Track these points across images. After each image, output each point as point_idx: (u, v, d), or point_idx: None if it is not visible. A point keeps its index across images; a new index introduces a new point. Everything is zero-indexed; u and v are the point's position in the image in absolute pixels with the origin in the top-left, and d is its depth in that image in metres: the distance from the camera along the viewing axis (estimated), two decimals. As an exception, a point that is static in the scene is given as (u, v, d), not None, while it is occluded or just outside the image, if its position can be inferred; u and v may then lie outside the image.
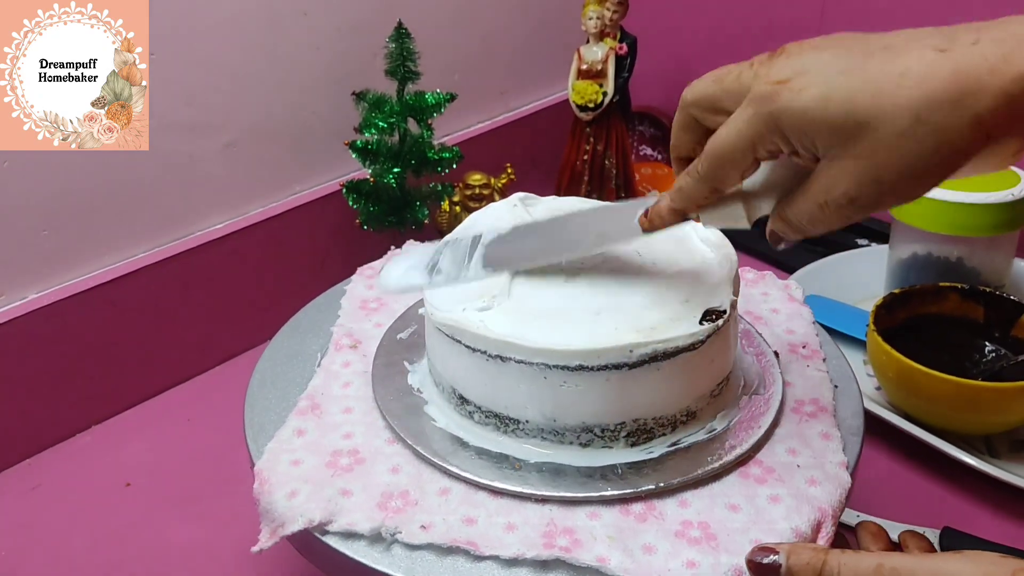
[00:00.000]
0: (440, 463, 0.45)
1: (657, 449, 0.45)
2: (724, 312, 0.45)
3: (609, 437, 0.45)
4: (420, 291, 0.49)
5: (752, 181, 0.42)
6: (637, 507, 0.43)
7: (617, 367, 0.43)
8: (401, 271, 0.51)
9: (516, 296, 0.46)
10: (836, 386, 0.51)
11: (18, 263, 0.67)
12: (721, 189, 0.41)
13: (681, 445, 0.46)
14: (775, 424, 0.48)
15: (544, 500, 0.43)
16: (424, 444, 0.46)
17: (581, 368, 0.43)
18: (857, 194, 0.36)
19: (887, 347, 0.62)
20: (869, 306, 0.67)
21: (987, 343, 0.68)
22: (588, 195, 0.87)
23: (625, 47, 0.84)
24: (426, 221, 0.80)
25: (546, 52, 0.99)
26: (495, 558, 0.40)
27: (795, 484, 0.44)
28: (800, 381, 0.51)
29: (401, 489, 0.44)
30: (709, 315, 0.45)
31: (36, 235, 0.67)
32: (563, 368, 0.43)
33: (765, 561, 0.38)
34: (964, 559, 0.32)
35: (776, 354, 0.53)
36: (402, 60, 0.75)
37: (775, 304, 0.59)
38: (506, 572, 0.40)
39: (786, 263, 0.85)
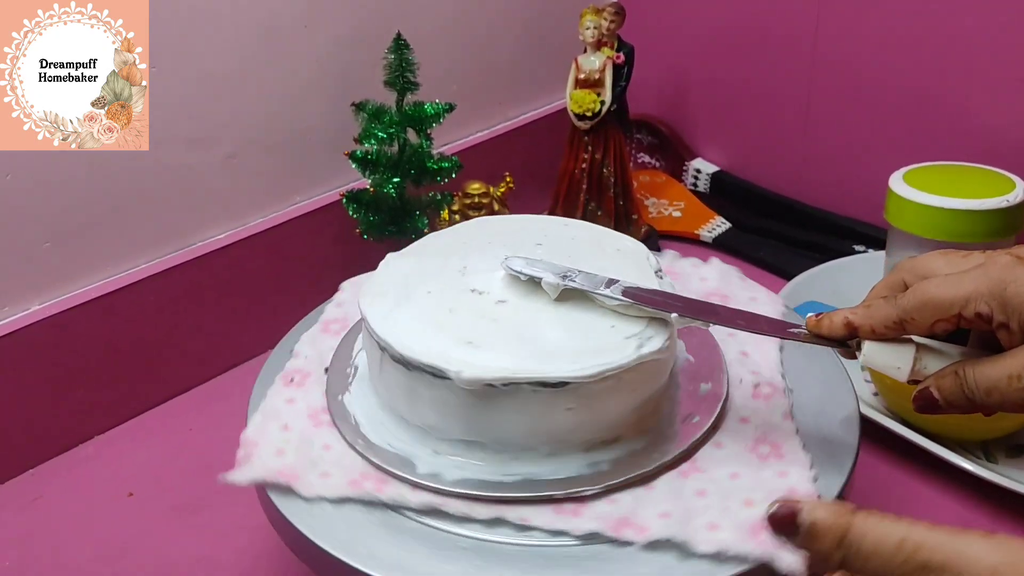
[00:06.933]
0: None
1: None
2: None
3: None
4: None
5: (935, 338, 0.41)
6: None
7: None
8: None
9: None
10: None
11: (21, 275, 0.67)
12: (907, 325, 0.40)
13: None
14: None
15: None
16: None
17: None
18: None
19: (884, 353, 0.63)
20: (866, 312, 0.68)
21: (984, 348, 0.68)
22: (586, 203, 0.88)
23: (622, 56, 0.84)
24: (426, 230, 0.81)
25: (544, 62, 0.99)
26: None
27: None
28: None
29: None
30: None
31: (39, 247, 0.68)
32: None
33: (785, 513, 0.35)
34: (989, 544, 0.31)
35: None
36: (401, 71, 0.76)
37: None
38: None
39: (783, 270, 0.85)
